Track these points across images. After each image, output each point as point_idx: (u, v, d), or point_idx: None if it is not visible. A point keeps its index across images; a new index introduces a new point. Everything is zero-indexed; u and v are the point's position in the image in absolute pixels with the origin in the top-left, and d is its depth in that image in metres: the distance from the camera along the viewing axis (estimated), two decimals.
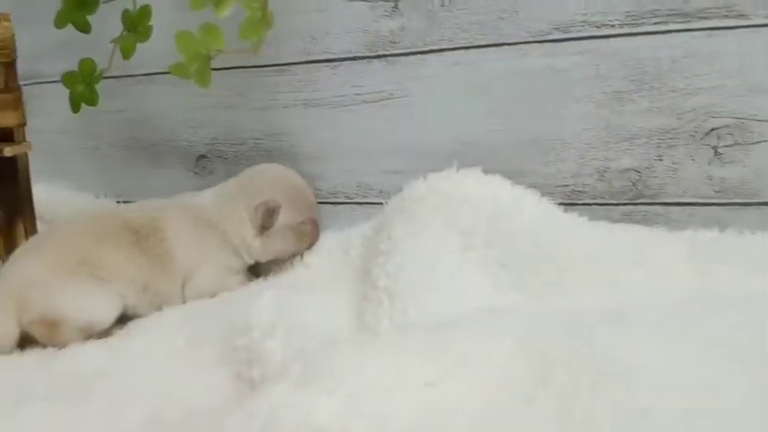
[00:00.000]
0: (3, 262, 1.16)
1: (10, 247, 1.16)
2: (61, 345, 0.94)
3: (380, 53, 1.19)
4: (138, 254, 1.02)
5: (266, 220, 1.08)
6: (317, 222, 1.16)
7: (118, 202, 1.45)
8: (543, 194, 1.05)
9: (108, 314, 0.98)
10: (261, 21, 0.94)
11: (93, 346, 0.92)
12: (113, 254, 1.01)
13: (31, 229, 1.18)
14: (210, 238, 1.07)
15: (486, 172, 1.08)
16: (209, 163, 1.36)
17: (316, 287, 1.00)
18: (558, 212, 1.02)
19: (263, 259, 1.13)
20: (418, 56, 1.16)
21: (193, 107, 1.35)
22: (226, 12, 0.91)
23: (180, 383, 0.80)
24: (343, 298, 0.97)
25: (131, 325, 1.00)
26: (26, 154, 1.16)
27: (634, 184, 1.05)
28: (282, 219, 1.10)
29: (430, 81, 1.16)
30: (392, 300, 0.88)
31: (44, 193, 1.48)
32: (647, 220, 1.04)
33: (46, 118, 1.48)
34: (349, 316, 0.91)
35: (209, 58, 0.94)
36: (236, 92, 1.31)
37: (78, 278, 0.97)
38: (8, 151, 1.10)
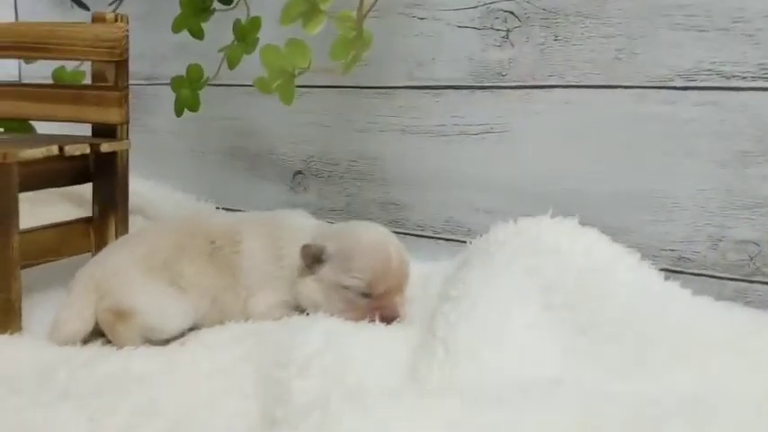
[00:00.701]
0: (94, 254, 1.18)
1: (100, 241, 1.18)
2: (121, 342, 0.94)
3: (486, 84, 1.11)
4: (211, 264, 1.00)
5: (306, 260, 0.94)
6: (385, 305, 0.92)
7: (217, 208, 1.46)
8: (644, 257, 0.93)
9: (178, 325, 0.96)
10: (354, 40, 0.90)
11: (145, 353, 0.91)
12: (192, 263, 0.99)
13: (122, 226, 1.20)
14: (278, 266, 1.01)
15: (583, 223, 0.97)
16: (305, 180, 1.34)
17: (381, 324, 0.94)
18: (658, 280, 0.90)
19: (302, 303, 0.97)
20: (525, 90, 1.08)
21: (295, 122, 1.34)
22: (315, 29, 0.87)
23: (209, 405, 0.76)
24: (404, 341, 0.90)
25: (189, 335, 0.98)
26: (126, 151, 1.18)
27: (752, 259, 0.92)
28: (329, 273, 0.93)
29: (535, 118, 1.08)
30: (448, 352, 0.80)
31: (151, 191, 1.53)
32: (762, 302, 0.90)
33: (161, 118, 1.52)
34: (404, 363, 0.84)
35: (293, 75, 0.91)
36: (336, 111, 1.28)
37: (160, 282, 0.97)
38: (105, 147, 1.12)
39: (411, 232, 1.21)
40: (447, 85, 1.15)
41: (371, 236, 0.96)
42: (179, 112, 1.20)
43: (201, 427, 0.71)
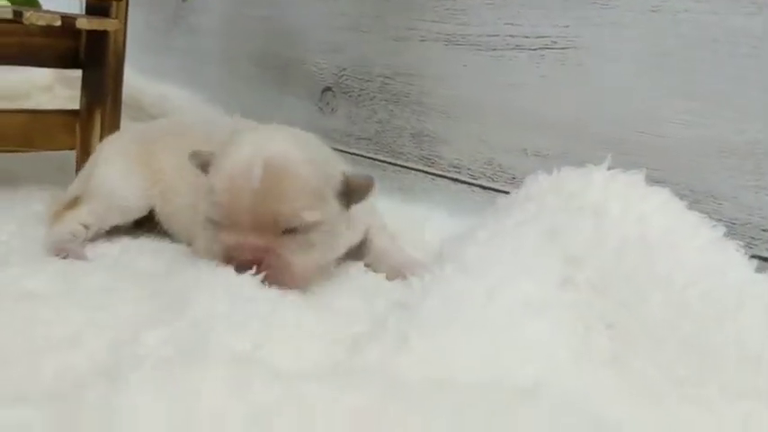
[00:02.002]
0: (78, 152, 1.02)
1: (85, 137, 1.02)
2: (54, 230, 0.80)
3: None
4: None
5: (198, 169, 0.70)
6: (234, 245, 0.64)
7: None
8: (733, 236, 0.64)
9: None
10: None
11: (53, 267, 0.72)
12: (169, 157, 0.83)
13: (111, 122, 1.02)
14: None
15: (653, 180, 0.69)
16: (334, 99, 1.11)
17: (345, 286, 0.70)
18: (743, 269, 0.61)
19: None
20: None
21: (331, 26, 1.10)
22: None
23: (71, 343, 0.56)
24: (372, 307, 0.66)
25: (123, 251, 0.79)
26: (121, 34, 1.00)
27: None
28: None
29: (613, 31, 0.79)
30: (400, 322, 0.56)
31: (177, 99, 1.36)
32: None
33: (205, 16, 1.35)
34: (353, 336, 0.60)
35: None
36: (374, 13, 1.03)
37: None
38: (84, 24, 0.93)
39: (444, 174, 0.96)
40: None
41: (249, 144, 0.65)
42: None
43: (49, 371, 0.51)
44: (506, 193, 0.89)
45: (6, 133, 0.95)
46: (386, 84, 1.02)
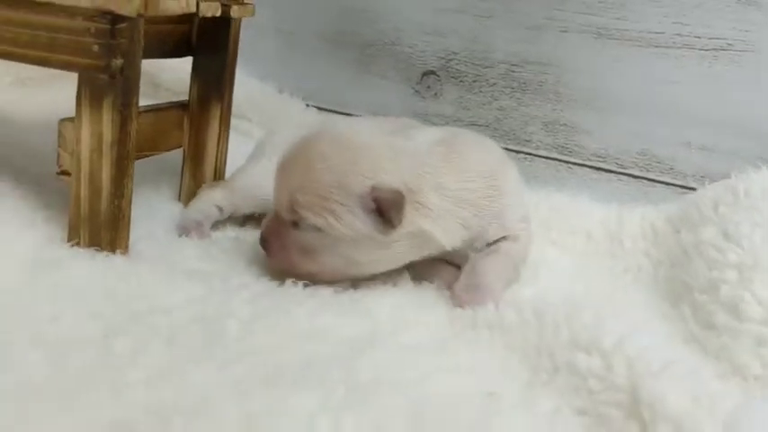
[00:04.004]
0: (188, 151, 0.91)
1: (198, 134, 0.90)
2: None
3: None
4: None
5: None
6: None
7: (307, 105, 1.18)
8: None
9: None
10: None
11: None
12: None
13: (227, 117, 0.92)
14: None
15: None
16: (438, 83, 1.08)
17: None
18: None
19: None
20: None
21: (435, 7, 1.06)
22: None
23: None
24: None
25: None
26: (240, 19, 0.89)
27: None
28: None
29: None
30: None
31: None
32: None
33: None
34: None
35: None
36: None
37: None
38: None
39: (585, 163, 0.99)
40: None
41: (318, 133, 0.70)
42: None
43: None
44: (664, 183, 0.95)
45: (140, 138, 0.82)
46: (512, 71, 1.02)
